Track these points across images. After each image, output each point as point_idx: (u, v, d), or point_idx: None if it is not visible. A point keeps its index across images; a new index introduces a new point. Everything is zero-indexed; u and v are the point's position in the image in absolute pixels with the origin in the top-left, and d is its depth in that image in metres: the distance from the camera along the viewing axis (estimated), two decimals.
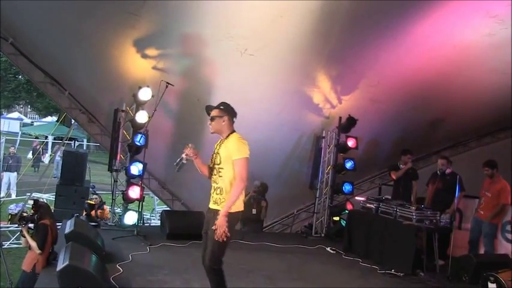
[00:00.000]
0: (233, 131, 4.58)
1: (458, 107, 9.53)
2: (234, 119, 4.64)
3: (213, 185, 4.55)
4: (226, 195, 4.40)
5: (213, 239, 4.35)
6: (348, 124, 9.46)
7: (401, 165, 8.64)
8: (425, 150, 11.32)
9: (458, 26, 7.49)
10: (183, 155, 4.53)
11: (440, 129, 10.49)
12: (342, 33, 7.71)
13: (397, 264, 7.02)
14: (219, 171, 4.47)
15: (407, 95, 9.09)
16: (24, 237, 5.92)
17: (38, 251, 5.68)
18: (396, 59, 8.23)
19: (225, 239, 4.30)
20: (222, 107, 4.61)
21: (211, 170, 4.56)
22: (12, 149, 17.87)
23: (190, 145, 4.56)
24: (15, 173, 17.00)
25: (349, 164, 9.66)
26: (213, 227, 4.30)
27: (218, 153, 4.51)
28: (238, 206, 4.47)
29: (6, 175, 16.33)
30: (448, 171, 8.02)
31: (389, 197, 8.30)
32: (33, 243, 5.77)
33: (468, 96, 9.11)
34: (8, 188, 16.64)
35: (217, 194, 4.48)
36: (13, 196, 16.21)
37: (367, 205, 8.09)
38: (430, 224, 7.12)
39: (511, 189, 7.59)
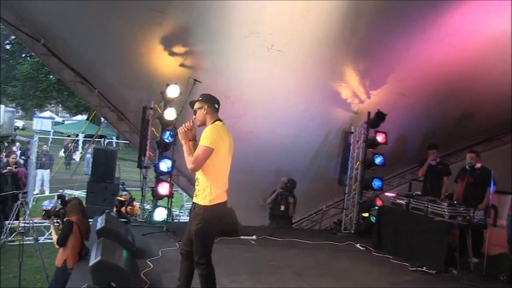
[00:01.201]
0: (216, 120, 4.50)
1: (489, 100, 9.32)
2: (217, 106, 4.58)
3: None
4: (202, 188, 4.34)
5: (193, 234, 4.34)
6: (376, 119, 9.34)
7: (430, 161, 8.49)
8: (456, 145, 11.13)
9: (489, 16, 7.30)
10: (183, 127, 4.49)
11: (471, 124, 10.28)
12: (370, 26, 7.62)
13: (428, 261, 6.88)
14: None
15: (437, 89, 8.94)
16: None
17: (56, 246, 5.82)
18: (425, 52, 8.08)
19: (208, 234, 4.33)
20: (201, 98, 4.58)
21: None
22: (45, 147, 18.24)
23: (189, 122, 4.54)
24: (48, 170, 17.36)
25: (378, 160, 9.55)
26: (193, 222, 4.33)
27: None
28: (218, 197, 4.37)
29: (39, 172, 16.69)
30: (477, 165, 7.83)
31: (420, 193, 8.15)
32: (54, 238, 5.92)
33: (499, 89, 8.87)
34: (42, 185, 17.00)
35: (196, 185, 4.45)
36: (46, 193, 16.59)
37: (397, 201, 7.96)
38: (463, 220, 6.92)
39: None
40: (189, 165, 4.30)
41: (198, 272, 4.43)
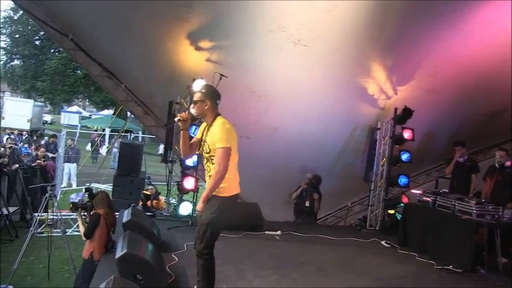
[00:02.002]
0: (217, 115, 4.45)
1: None
2: (218, 101, 4.51)
3: (206, 172, 4.50)
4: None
5: (204, 224, 4.35)
6: (403, 115, 9.25)
7: (458, 159, 8.34)
8: (484, 143, 10.92)
9: None
10: (177, 116, 4.49)
11: (500, 121, 10.08)
12: (398, 21, 7.53)
13: (455, 260, 6.76)
14: (211, 159, 4.38)
15: (466, 85, 8.80)
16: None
17: (83, 238, 5.93)
18: (454, 48, 7.97)
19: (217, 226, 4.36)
20: (203, 91, 4.52)
21: (202, 157, 4.54)
22: (70, 141, 18.54)
23: (186, 112, 4.56)
24: (75, 164, 17.62)
25: (405, 156, 9.45)
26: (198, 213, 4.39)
27: (205, 141, 4.40)
28: (233, 189, 4.42)
29: (66, 166, 16.96)
30: (507, 163, 7.67)
31: (447, 191, 8.03)
32: (81, 230, 6.03)
33: None
34: (69, 179, 17.27)
35: (209, 177, 4.42)
36: (74, 186, 16.85)
37: (424, 198, 7.85)
38: (491, 219, 6.77)
39: None
40: (219, 175, 4.25)
41: (199, 262, 4.44)
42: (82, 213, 6.24)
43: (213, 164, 4.35)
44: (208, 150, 4.38)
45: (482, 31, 7.56)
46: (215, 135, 4.30)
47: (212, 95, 4.49)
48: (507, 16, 7.25)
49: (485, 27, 7.47)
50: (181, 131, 4.52)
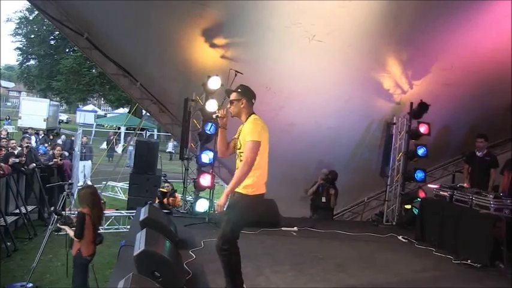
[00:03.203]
0: (251, 114, 4.53)
1: None
2: (253, 101, 4.59)
3: (236, 169, 4.51)
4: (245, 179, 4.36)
5: (225, 219, 4.40)
6: (419, 110, 9.18)
7: (477, 152, 8.26)
8: (502, 136, 10.80)
9: None
10: (217, 112, 4.62)
11: None
12: (413, 15, 7.47)
13: (473, 255, 6.71)
14: (240, 156, 4.44)
15: (482, 79, 8.71)
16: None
17: (76, 239, 6.02)
18: (471, 41, 7.89)
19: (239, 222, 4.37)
20: (239, 90, 4.58)
21: (236, 155, 4.57)
22: (84, 139, 18.71)
23: (224, 109, 4.60)
24: (90, 162, 17.76)
25: (421, 151, 9.38)
26: (217, 207, 4.36)
27: (238, 138, 4.50)
28: (258, 189, 4.43)
29: (81, 164, 17.13)
30: None
31: (464, 185, 7.95)
32: (70, 232, 6.12)
33: None
34: (85, 176, 17.42)
35: None
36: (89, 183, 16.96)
37: (441, 193, 7.79)
38: (510, 213, 6.72)
39: None
40: (246, 167, 4.27)
41: (220, 259, 4.46)
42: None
43: (241, 161, 4.39)
44: (239, 146, 4.47)
45: (499, 24, 7.47)
46: (246, 129, 4.39)
47: (248, 94, 4.57)
48: None
49: (502, 20, 7.37)
50: (219, 129, 4.62)
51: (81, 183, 16.83)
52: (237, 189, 4.38)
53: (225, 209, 4.45)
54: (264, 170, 4.47)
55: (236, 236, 4.44)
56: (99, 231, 6.44)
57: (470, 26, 7.54)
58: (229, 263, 4.44)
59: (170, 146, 27.43)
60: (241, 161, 4.38)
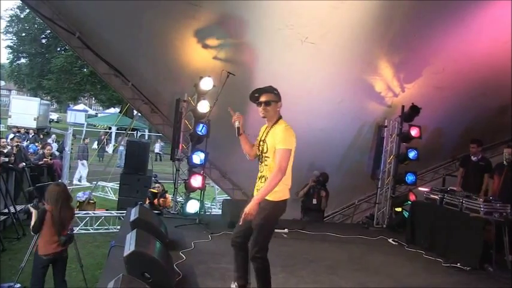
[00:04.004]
0: (280, 117, 4.47)
1: None
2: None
3: (259, 173, 4.50)
4: None
5: (256, 227, 4.33)
6: (411, 113, 9.23)
7: (472, 157, 8.30)
8: (493, 140, 10.86)
9: None
10: (236, 123, 4.57)
11: (507, 117, 10.00)
12: (406, 18, 7.50)
13: (463, 258, 6.75)
14: (265, 160, 4.40)
15: (474, 82, 8.76)
16: None
17: (32, 233, 6.00)
18: (463, 44, 7.93)
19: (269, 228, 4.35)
20: (275, 92, 4.49)
21: (258, 157, 4.51)
22: (87, 140, 18.64)
23: (237, 113, 4.58)
24: (85, 161, 17.76)
25: (412, 154, 9.42)
26: (246, 213, 4.26)
27: (265, 141, 4.41)
28: (284, 194, 4.40)
29: (80, 163, 17.16)
30: None
31: (455, 188, 7.99)
32: (32, 221, 6.02)
33: None
34: (81, 177, 17.38)
35: (261, 182, 4.42)
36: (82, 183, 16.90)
37: (431, 196, 7.83)
38: (499, 216, 6.76)
39: None
40: (279, 175, 4.21)
41: (254, 266, 4.43)
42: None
43: (265, 165, 4.39)
44: (265, 150, 4.39)
45: (492, 27, 7.51)
46: (277, 136, 4.30)
47: (279, 97, 4.51)
48: None
49: (495, 23, 7.41)
50: (240, 136, 4.63)
51: (77, 182, 16.82)
52: None
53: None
54: (289, 176, 4.42)
55: (268, 241, 4.42)
56: (70, 232, 6.26)
57: (463, 29, 7.57)
58: (265, 269, 4.43)
59: (157, 147, 27.30)
60: (266, 165, 4.38)
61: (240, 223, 4.37)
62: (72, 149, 17.53)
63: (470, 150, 8.29)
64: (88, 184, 16.74)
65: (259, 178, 4.46)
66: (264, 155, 4.41)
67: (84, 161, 17.88)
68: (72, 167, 17.08)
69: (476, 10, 7.20)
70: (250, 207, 4.22)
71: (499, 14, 7.22)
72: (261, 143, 4.46)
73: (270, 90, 4.49)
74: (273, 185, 4.23)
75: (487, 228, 6.71)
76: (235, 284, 4.72)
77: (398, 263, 6.90)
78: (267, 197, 4.29)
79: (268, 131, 4.44)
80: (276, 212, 4.36)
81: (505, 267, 6.65)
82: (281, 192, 4.34)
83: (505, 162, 7.73)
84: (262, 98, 4.46)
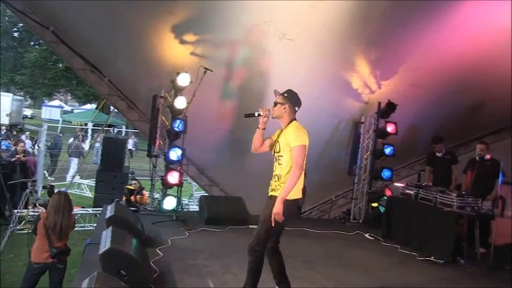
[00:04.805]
0: (293, 120, 4.59)
1: (500, 91, 9.21)
2: (297, 108, 4.63)
3: (273, 172, 4.60)
4: (283, 182, 4.42)
5: (260, 221, 4.47)
6: (387, 109, 9.33)
7: (437, 153, 8.46)
8: (467, 136, 11.05)
9: (503, 6, 7.21)
10: (259, 110, 4.59)
11: (480, 114, 10.20)
12: (382, 16, 7.55)
13: (437, 251, 6.92)
14: (279, 159, 4.51)
15: (448, 79, 8.88)
16: None
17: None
18: (438, 42, 8.01)
19: (276, 225, 4.38)
20: (285, 95, 4.61)
21: (273, 158, 4.62)
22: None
23: (269, 108, 4.61)
24: (77, 160, 17.62)
25: (388, 150, 9.53)
26: (275, 213, 4.34)
27: (278, 141, 4.55)
28: (296, 194, 4.48)
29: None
30: (487, 157, 7.80)
31: (429, 184, 8.13)
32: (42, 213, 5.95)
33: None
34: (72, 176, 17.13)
35: (275, 181, 4.53)
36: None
37: (406, 191, 7.96)
38: (471, 211, 6.94)
39: None
40: (298, 172, 4.35)
41: (249, 259, 4.52)
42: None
43: (279, 164, 4.50)
44: (278, 150, 4.52)
45: (465, 27, 7.62)
46: (289, 135, 4.45)
47: (292, 100, 4.61)
48: (488, 13, 7.33)
49: (468, 23, 7.53)
50: (258, 129, 4.63)
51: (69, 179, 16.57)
52: (275, 194, 4.46)
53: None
54: (302, 176, 4.50)
55: (269, 236, 4.52)
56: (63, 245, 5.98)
57: (437, 28, 7.66)
58: (257, 265, 4.52)
59: (130, 143, 26.99)
60: (280, 164, 4.49)
61: (273, 225, 4.39)
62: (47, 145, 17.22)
63: (435, 148, 8.48)
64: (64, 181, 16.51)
65: (274, 177, 4.57)
66: (277, 154, 4.55)
67: (76, 159, 17.64)
68: (45, 164, 16.80)
69: (449, 10, 7.29)
70: (276, 208, 4.33)
71: (472, 14, 7.33)
72: (275, 143, 4.61)
73: (283, 93, 4.66)
74: (293, 182, 4.35)
75: (459, 222, 6.88)
76: None
77: (374, 257, 7.00)
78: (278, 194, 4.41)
79: (282, 132, 4.61)
80: (285, 211, 4.38)
81: (475, 259, 6.85)
82: (294, 191, 4.43)
83: (477, 157, 7.89)
84: (276, 99, 4.64)
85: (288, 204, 4.38)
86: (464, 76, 8.71)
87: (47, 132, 16.13)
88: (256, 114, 4.61)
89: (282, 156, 4.48)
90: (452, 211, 6.89)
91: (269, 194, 4.59)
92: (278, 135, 4.61)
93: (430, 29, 7.71)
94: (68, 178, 16.65)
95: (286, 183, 4.36)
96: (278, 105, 4.58)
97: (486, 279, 6.39)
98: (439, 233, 7.02)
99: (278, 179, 4.49)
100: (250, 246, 4.48)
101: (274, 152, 4.58)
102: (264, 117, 4.57)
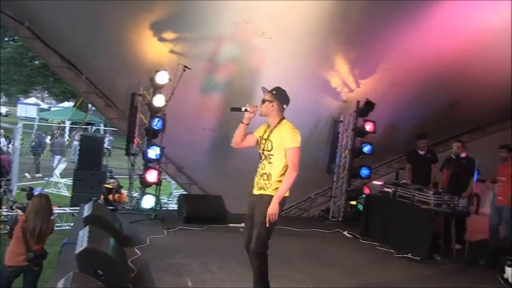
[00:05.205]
0: (283, 118, 4.58)
1: (476, 89, 9.35)
2: (285, 106, 4.62)
3: (259, 171, 4.55)
4: (274, 182, 4.43)
5: (259, 222, 4.42)
6: (365, 108, 9.39)
7: (419, 151, 8.53)
8: (444, 135, 11.19)
9: (479, 7, 7.32)
10: (247, 106, 4.55)
11: (457, 113, 10.33)
12: (361, 15, 7.59)
13: (414, 248, 7.01)
14: (269, 158, 4.47)
15: (426, 78, 8.96)
16: None
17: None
18: (416, 42, 8.10)
19: (272, 223, 4.39)
20: (273, 92, 4.59)
21: (259, 155, 4.57)
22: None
23: (256, 105, 4.58)
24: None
25: (366, 148, 9.61)
26: (270, 213, 4.35)
27: (269, 139, 4.49)
28: (286, 192, 4.50)
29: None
30: (463, 155, 7.93)
31: (407, 182, 8.22)
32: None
33: (487, 79, 8.94)
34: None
35: (264, 180, 4.49)
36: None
37: (385, 189, 8.04)
38: (447, 208, 7.06)
39: None
40: (295, 173, 4.40)
41: (255, 264, 4.50)
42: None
43: (270, 163, 4.46)
44: (269, 148, 4.47)
45: (442, 26, 7.70)
46: (284, 135, 4.45)
47: (281, 98, 4.61)
48: (464, 14, 7.42)
49: (445, 22, 7.61)
50: (241, 124, 4.60)
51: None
52: (266, 193, 4.46)
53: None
54: None
55: (269, 237, 4.51)
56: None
57: (415, 28, 7.72)
58: (265, 266, 4.51)
59: (106, 142, 26.70)
60: (270, 162, 4.45)
61: (267, 225, 4.39)
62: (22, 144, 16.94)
63: (418, 145, 8.53)
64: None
65: (261, 176, 4.51)
66: (267, 153, 4.49)
67: (59, 157, 17.41)
68: (21, 162, 16.52)
69: (427, 10, 7.35)
70: (272, 208, 4.35)
71: (449, 14, 7.42)
72: (264, 141, 4.54)
73: (271, 90, 4.63)
74: (290, 183, 4.41)
75: (436, 219, 6.99)
76: None
77: (352, 255, 7.06)
78: (273, 193, 4.42)
79: (272, 130, 4.55)
80: (280, 209, 4.44)
81: (451, 256, 6.99)
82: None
83: (453, 155, 8.01)
84: (264, 97, 4.60)
85: (281, 202, 4.43)
86: (441, 75, 8.80)
87: (23, 131, 15.87)
88: (243, 109, 4.55)
89: (273, 155, 4.45)
90: (429, 209, 6.98)
91: (257, 193, 4.55)
92: (268, 133, 4.55)
93: (408, 29, 7.78)
94: (55, 175, 16.46)
95: (284, 184, 4.39)
96: (266, 102, 4.54)
97: (461, 274, 6.55)
98: (416, 230, 7.11)
99: (268, 177, 4.46)
100: (254, 250, 4.45)
101: (264, 150, 4.51)
102: (251, 113, 4.52)
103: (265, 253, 4.47)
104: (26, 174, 15.25)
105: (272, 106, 4.53)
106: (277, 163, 4.44)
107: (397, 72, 8.83)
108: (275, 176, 4.43)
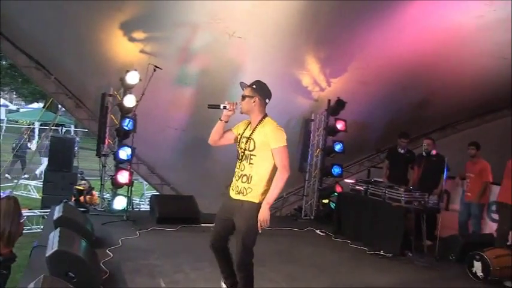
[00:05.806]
0: (266, 115, 4.25)
1: (445, 88, 9.52)
2: (267, 101, 4.28)
3: (238, 171, 4.22)
4: (255, 186, 4.10)
5: (243, 232, 4.11)
6: (337, 107, 9.48)
7: (399, 149, 8.62)
8: (414, 133, 11.35)
9: (448, 8, 7.41)
10: (225, 103, 4.24)
11: (427, 111, 10.50)
12: (331, 14, 7.62)
13: (386, 245, 7.11)
14: (250, 158, 4.13)
15: (396, 77, 9.06)
16: None
17: None
18: (386, 41, 8.17)
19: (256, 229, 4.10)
20: (254, 86, 4.25)
21: (238, 155, 4.25)
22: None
23: (236, 102, 4.27)
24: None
25: (338, 147, 9.70)
26: (261, 220, 4.05)
27: (252, 138, 4.14)
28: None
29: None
30: (433, 152, 8.08)
31: (380, 179, 8.31)
32: None
33: (456, 77, 9.11)
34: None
35: (243, 182, 4.15)
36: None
37: (356, 187, 8.13)
38: (418, 205, 7.18)
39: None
40: (286, 174, 4.07)
41: (240, 275, 4.22)
42: None
43: (250, 164, 4.13)
44: (252, 148, 4.13)
45: (412, 26, 7.77)
46: (269, 134, 4.10)
47: (262, 92, 4.27)
48: (433, 14, 7.53)
49: (415, 22, 7.69)
50: (220, 122, 4.32)
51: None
52: (247, 199, 4.12)
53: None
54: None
55: (254, 244, 4.19)
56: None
57: (386, 27, 7.78)
58: (251, 276, 4.26)
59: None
60: (251, 163, 4.12)
61: (259, 231, 4.11)
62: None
63: (399, 143, 8.60)
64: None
65: (240, 177, 4.17)
66: (248, 152, 4.15)
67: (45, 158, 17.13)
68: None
69: (397, 10, 7.42)
70: (263, 214, 4.02)
71: (418, 14, 7.52)
72: (245, 139, 4.21)
73: (251, 84, 4.30)
74: (281, 186, 4.07)
75: (407, 216, 7.09)
76: (225, 285, 4.53)
77: (325, 253, 7.12)
78: (253, 200, 4.11)
79: (254, 128, 4.20)
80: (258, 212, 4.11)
81: (422, 252, 7.10)
82: (266, 194, 4.12)
83: (423, 153, 8.16)
84: (244, 92, 4.28)
85: (259, 207, 4.10)
86: (411, 74, 8.91)
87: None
88: (221, 106, 4.24)
89: (255, 155, 4.11)
90: (400, 206, 7.09)
91: (235, 197, 4.20)
92: (250, 132, 4.22)
93: (378, 28, 7.84)
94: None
95: (274, 187, 4.06)
96: (247, 98, 4.20)
97: (432, 270, 6.66)
98: (388, 227, 7.22)
99: (248, 179, 4.12)
100: (243, 261, 4.16)
101: (245, 149, 4.16)
102: (230, 110, 4.23)
103: (251, 262, 4.21)
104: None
105: (253, 102, 4.18)
106: (258, 164, 4.10)
107: (367, 71, 8.91)
108: (256, 178, 4.10)
